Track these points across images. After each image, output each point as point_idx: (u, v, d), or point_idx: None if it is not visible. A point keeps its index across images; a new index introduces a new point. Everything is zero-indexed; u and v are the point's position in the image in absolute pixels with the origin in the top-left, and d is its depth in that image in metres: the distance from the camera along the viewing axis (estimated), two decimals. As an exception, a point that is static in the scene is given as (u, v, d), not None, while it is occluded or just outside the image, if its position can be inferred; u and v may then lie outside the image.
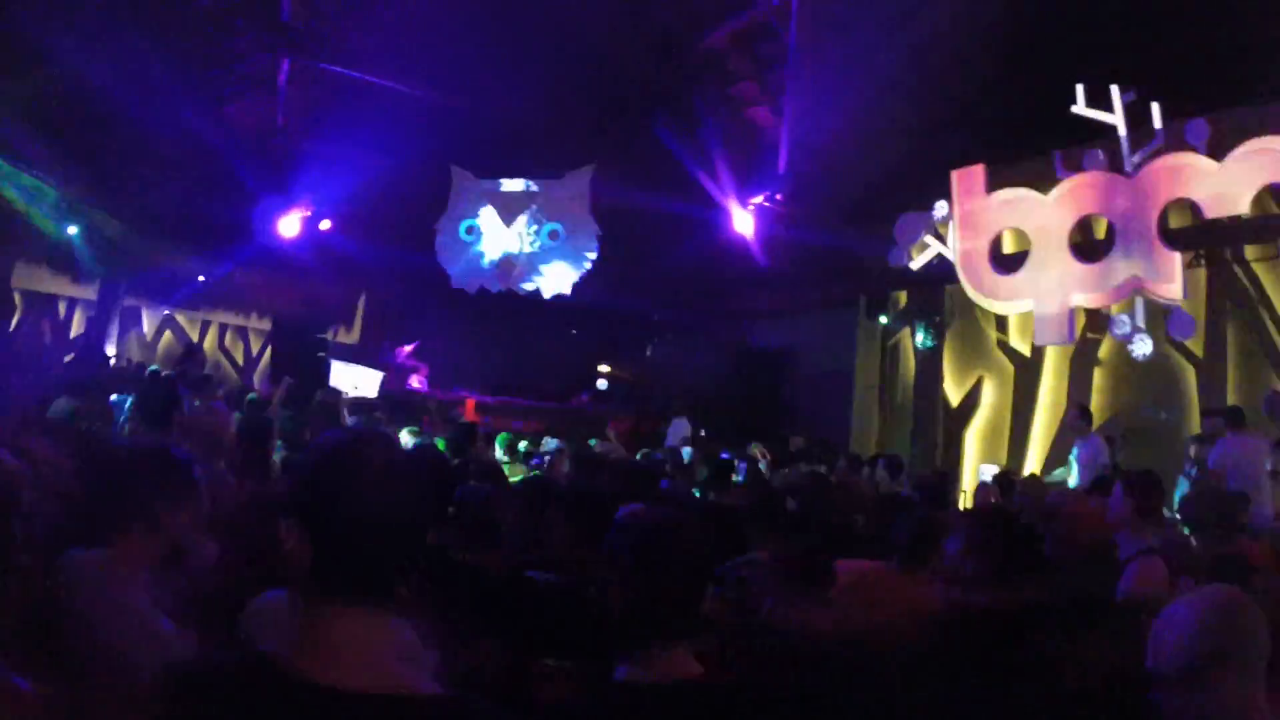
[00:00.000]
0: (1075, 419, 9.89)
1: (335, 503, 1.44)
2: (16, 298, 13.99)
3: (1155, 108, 9.36)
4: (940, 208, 11.89)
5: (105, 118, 11.55)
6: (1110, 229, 10.05)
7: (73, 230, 12.72)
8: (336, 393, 9.68)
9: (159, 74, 11.95)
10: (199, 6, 12.45)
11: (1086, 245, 10.47)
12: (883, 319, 13.59)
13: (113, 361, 13.18)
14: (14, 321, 13.61)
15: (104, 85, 11.11)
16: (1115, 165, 9.92)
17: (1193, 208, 9.33)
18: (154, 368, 12.65)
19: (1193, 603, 2.35)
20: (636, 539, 2.03)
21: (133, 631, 2.32)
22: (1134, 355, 9.65)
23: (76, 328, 14.83)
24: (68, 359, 12.72)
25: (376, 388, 13.77)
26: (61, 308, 14.67)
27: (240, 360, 16.23)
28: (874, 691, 2.59)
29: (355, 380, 13.80)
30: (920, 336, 12.97)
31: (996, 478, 9.06)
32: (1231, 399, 9.25)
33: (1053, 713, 2.66)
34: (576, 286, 16.32)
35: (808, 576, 3.02)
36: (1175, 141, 9.25)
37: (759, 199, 14.42)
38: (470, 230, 16.44)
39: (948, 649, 3.02)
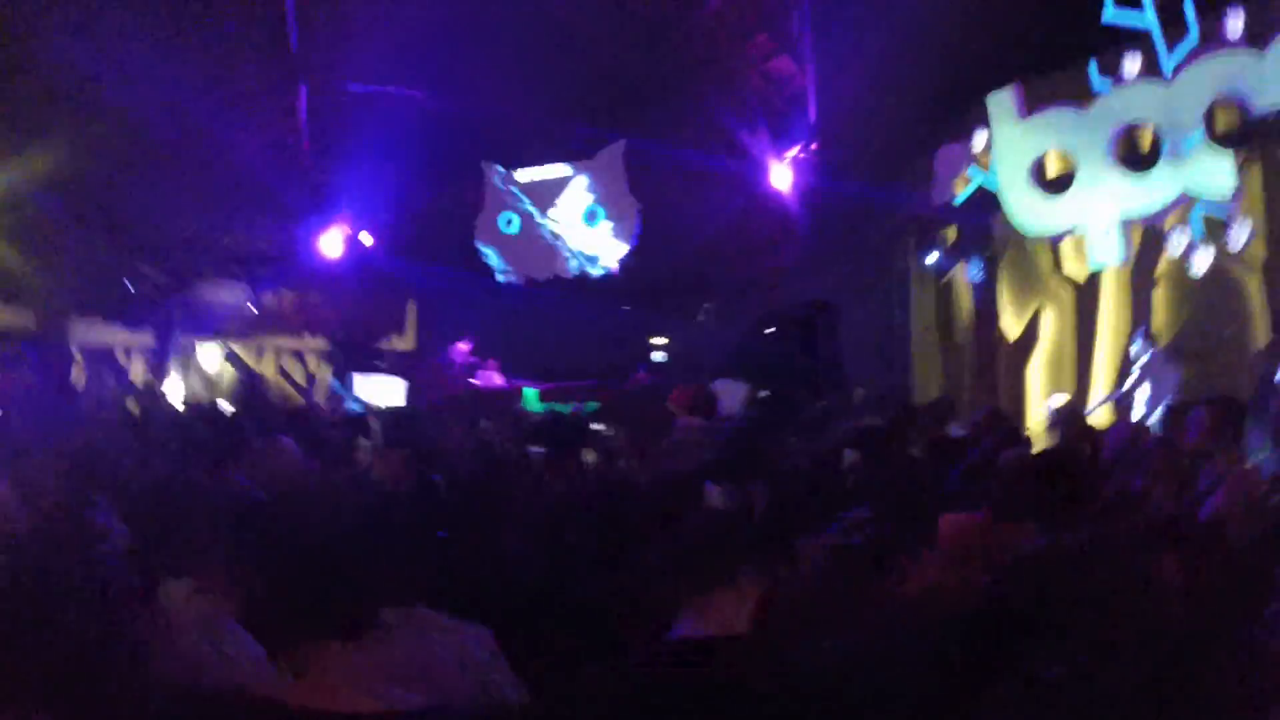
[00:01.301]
0: (1142, 341, 9.54)
1: (297, 539, 1.47)
2: (78, 355, 14.37)
3: (1188, 2, 8.81)
4: (980, 137, 11.46)
5: (128, 161, 11.78)
6: (1156, 138, 9.53)
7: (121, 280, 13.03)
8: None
9: (186, 107, 12.19)
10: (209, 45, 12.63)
11: (1133, 157, 9.94)
12: (932, 257, 13.13)
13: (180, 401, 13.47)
14: (82, 380, 13.97)
15: (137, 120, 11.35)
16: (1153, 69, 9.39)
17: (1240, 104, 8.77)
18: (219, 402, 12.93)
19: None
20: None
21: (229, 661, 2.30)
22: (1191, 271, 9.17)
23: (137, 372, 15.20)
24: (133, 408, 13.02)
25: (403, 395, 13.84)
26: (121, 357, 15.04)
27: (301, 381, 16.48)
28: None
29: (377, 390, 13.89)
30: (973, 271, 12.50)
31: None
32: (1300, 305, 8.72)
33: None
34: (623, 263, 16.20)
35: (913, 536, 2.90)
36: (1213, 36, 8.71)
37: (794, 151, 14.08)
38: (510, 223, 16.42)
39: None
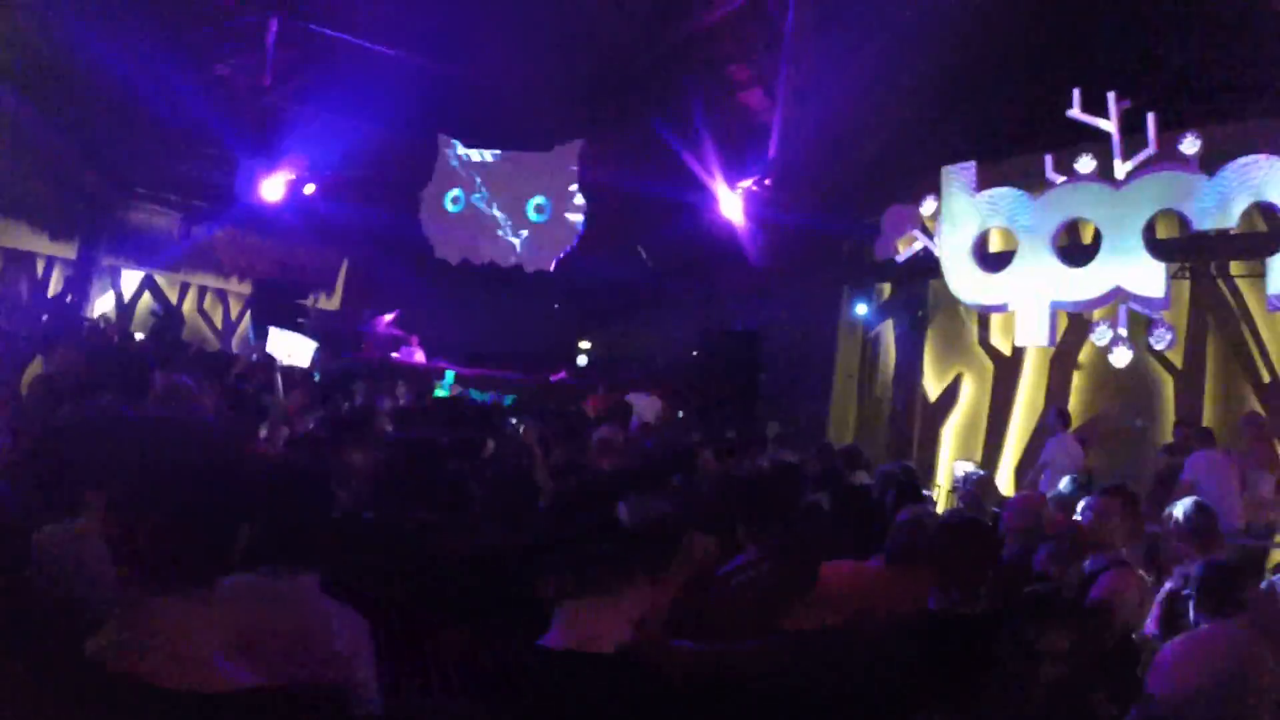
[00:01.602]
0: (1054, 419, 10.02)
1: (145, 488, 1.42)
2: (-6, 255, 13.79)
3: (1150, 118, 9.40)
4: (929, 202, 11.92)
5: (86, 74, 11.32)
6: (1097, 234, 10.10)
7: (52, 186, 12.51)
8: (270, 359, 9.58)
9: (144, 30, 11.74)
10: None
11: (1073, 249, 10.53)
12: (865, 309, 13.63)
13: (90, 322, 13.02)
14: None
15: (85, 41, 10.90)
16: (1105, 171, 9.96)
17: (1181, 219, 9.40)
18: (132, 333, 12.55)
19: (1196, 640, 2.38)
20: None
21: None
22: (1113, 363, 9.75)
23: (55, 286, 14.62)
24: (44, 318, 12.53)
25: (310, 357, 13.64)
26: (40, 266, 14.43)
27: (219, 324, 16.08)
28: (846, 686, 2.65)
29: (290, 348, 13.68)
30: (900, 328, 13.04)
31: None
32: (1208, 412, 9.38)
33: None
34: (559, 261, 16.25)
35: (794, 578, 3.00)
36: (1168, 152, 9.31)
37: (747, 182, 14.38)
38: (455, 200, 16.30)
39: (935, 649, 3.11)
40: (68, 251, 14.25)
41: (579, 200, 16.05)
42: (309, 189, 14.95)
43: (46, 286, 14.36)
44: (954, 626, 3.23)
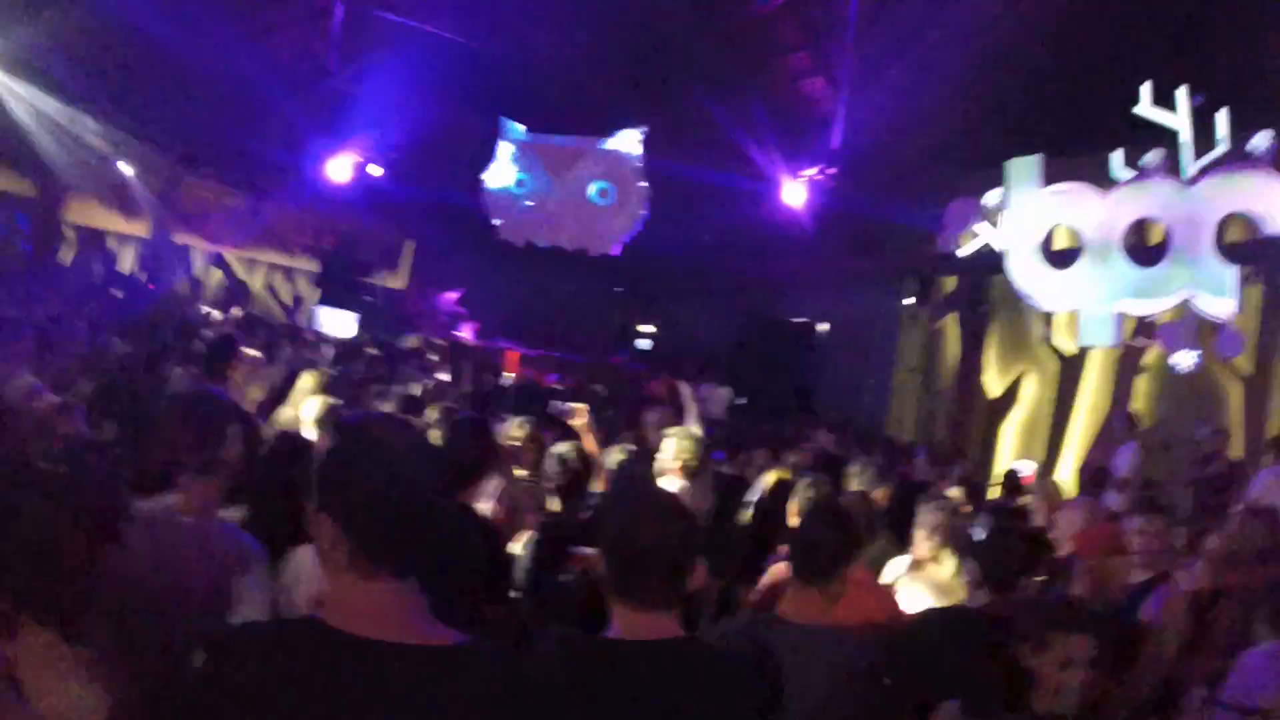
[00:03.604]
0: (1122, 425, 9.76)
1: (350, 483, 1.55)
2: (69, 233, 14.21)
3: (1222, 115, 9.04)
4: (994, 195, 11.63)
5: (151, 53, 11.59)
6: (1166, 235, 9.77)
7: (126, 167, 12.86)
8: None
9: (211, 13, 11.99)
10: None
11: (1140, 249, 10.19)
12: (926, 303, 13.40)
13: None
14: (68, 257, 13.84)
15: (149, 20, 11.15)
16: (1176, 170, 9.62)
17: (1252, 222, 9.04)
18: (208, 311, 12.89)
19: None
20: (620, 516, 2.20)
21: (212, 576, 2.44)
22: (1177, 368, 9.45)
23: (127, 262, 15.07)
24: (118, 295, 12.95)
25: (354, 328, 13.91)
26: (113, 244, 14.88)
27: (288, 300, 16.44)
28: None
29: (334, 321, 13.98)
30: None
31: (1006, 476, 8.86)
32: (1274, 422, 9.03)
33: None
34: (624, 245, 16.26)
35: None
36: (1240, 152, 8.95)
37: (810, 171, 14.20)
38: (520, 183, 16.38)
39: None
40: (139, 229, 14.66)
41: (642, 185, 16.02)
42: (375, 170, 15.14)
43: (118, 263, 14.81)
44: (982, 624, 3.23)
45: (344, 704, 1.47)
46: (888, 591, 3.91)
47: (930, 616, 3.56)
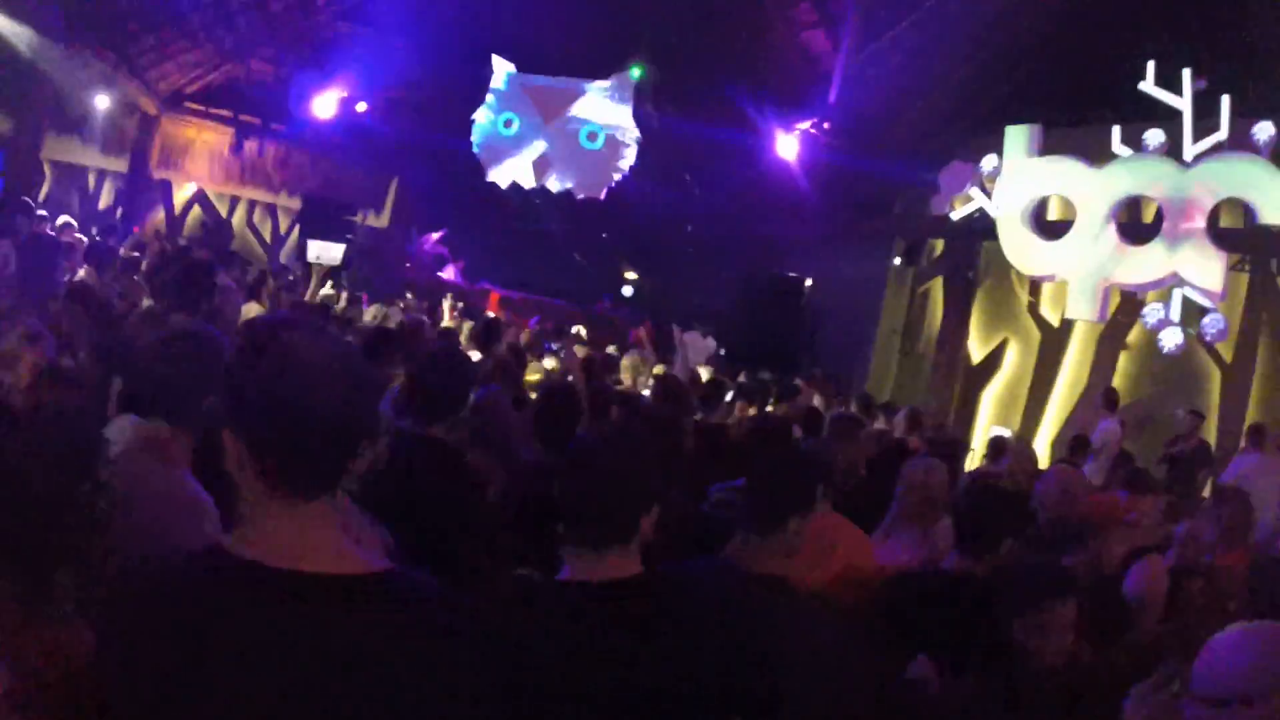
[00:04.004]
0: (1101, 402, 9.86)
1: (250, 391, 1.39)
2: (46, 168, 13.90)
3: (1225, 101, 9.01)
4: (989, 161, 11.60)
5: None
6: (1159, 214, 9.80)
7: (105, 102, 12.54)
8: None
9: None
10: None
11: (1132, 226, 10.23)
12: (913, 264, 13.40)
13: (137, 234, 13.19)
14: (43, 192, 13.54)
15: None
16: (1174, 151, 9.61)
17: (1246, 210, 9.07)
18: (183, 244, 12.67)
19: (1252, 633, 2.36)
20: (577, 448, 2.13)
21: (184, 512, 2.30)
22: (1162, 347, 9.54)
23: (105, 199, 14.79)
24: (95, 231, 12.71)
25: (339, 258, 13.77)
26: (91, 179, 14.58)
27: (268, 238, 16.21)
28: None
29: (320, 251, 13.85)
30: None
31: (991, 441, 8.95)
32: (1252, 411, 9.17)
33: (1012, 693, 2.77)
34: (612, 190, 16.10)
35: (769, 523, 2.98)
36: (1240, 139, 8.95)
37: (805, 125, 14.04)
38: (509, 124, 16.13)
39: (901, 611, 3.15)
40: (119, 165, 14.37)
41: (633, 131, 15.81)
42: (361, 107, 14.86)
43: (98, 200, 14.54)
44: (962, 586, 3.20)
45: (249, 642, 1.34)
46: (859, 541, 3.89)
47: (908, 576, 3.53)
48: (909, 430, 8.90)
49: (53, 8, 10.84)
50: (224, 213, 15.54)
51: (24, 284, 7.07)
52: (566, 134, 16.13)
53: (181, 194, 15.27)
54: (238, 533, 1.42)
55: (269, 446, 1.39)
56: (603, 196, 16.12)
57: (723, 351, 14.44)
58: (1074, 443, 8.79)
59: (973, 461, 11.03)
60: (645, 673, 1.96)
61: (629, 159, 15.93)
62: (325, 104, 14.57)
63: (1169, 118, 9.55)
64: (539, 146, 16.16)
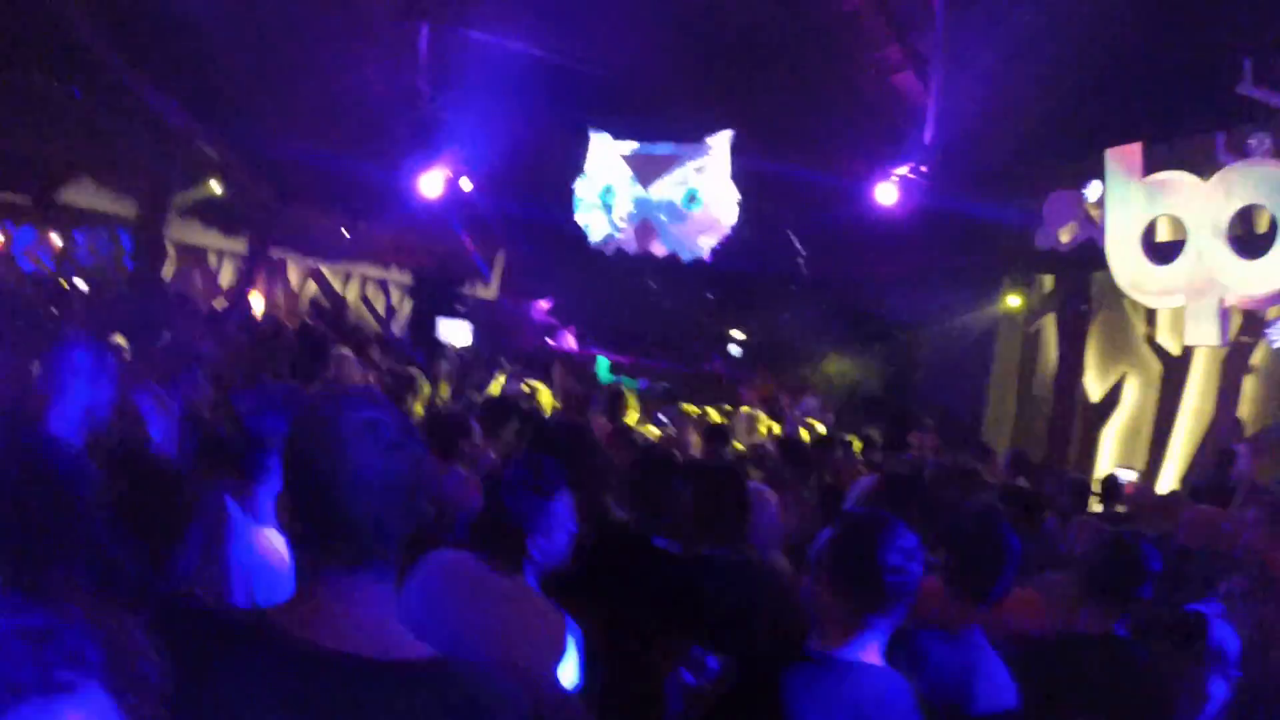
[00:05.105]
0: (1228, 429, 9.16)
1: (314, 465, 1.41)
2: (170, 249, 14.89)
3: (1330, 92, 8.34)
4: (1094, 188, 11.05)
5: (253, 83, 12.01)
6: (1273, 223, 9.07)
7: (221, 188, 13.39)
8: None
9: (305, 44, 12.35)
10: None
11: (1247, 239, 9.49)
12: (1024, 302, 12.80)
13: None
14: (169, 272, 14.51)
15: (248, 53, 11.54)
16: (1281, 153, 8.93)
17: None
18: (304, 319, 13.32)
19: None
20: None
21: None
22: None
23: (225, 278, 15.73)
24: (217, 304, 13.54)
25: (469, 337, 14.11)
26: (212, 259, 15.54)
27: (381, 311, 16.87)
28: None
29: (450, 331, 14.21)
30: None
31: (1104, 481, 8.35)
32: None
33: None
34: (716, 251, 16.06)
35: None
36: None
37: (903, 169, 13.76)
38: (608, 192, 16.35)
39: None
40: (237, 246, 15.26)
41: (732, 189, 15.78)
42: (466, 184, 15.36)
43: (217, 278, 15.47)
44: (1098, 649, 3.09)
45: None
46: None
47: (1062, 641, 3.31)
48: (1012, 474, 8.45)
49: (172, 101, 11.65)
50: (339, 288, 16.27)
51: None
52: (667, 198, 16.21)
53: (298, 272, 16.10)
54: (289, 604, 1.44)
55: (317, 516, 1.42)
56: (707, 258, 16.10)
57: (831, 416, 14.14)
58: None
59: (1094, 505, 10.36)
60: None
61: (731, 218, 15.87)
62: (431, 183, 15.13)
63: (1274, 117, 8.90)
64: (640, 212, 16.30)
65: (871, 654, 2.17)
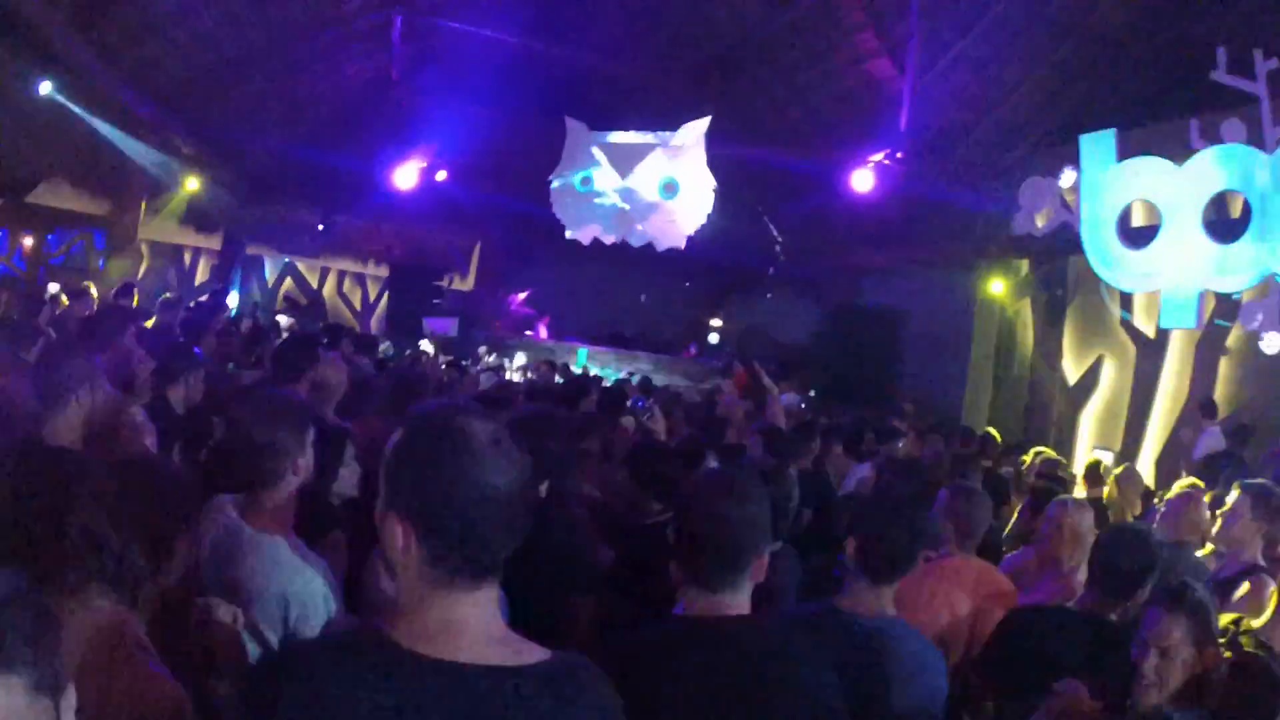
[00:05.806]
0: (1200, 411, 9.30)
1: (425, 480, 1.39)
2: (143, 248, 14.73)
3: (1303, 78, 8.46)
4: (1068, 174, 11.15)
5: (223, 79, 11.86)
6: (1246, 208, 9.20)
7: (195, 185, 13.24)
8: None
9: (276, 35, 12.20)
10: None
11: (1221, 224, 9.63)
12: (1002, 287, 12.93)
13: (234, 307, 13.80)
14: (140, 271, 14.34)
15: (221, 48, 11.40)
16: (1256, 139, 9.03)
17: (1337, 192, 8.44)
18: (280, 317, 13.20)
19: None
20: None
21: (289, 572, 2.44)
22: (1264, 349, 8.90)
23: (201, 276, 15.57)
24: (191, 304, 13.36)
25: (455, 330, 14.09)
26: (187, 257, 15.39)
27: (358, 305, 16.76)
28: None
29: (435, 327, 14.18)
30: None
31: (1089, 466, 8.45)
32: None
33: None
34: (692, 239, 16.09)
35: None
36: (1324, 117, 8.36)
37: (879, 156, 13.82)
38: (585, 181, 16.32)
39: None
40: (212, 243, 15.11)
41: (708, 178, 15.81)
42: (440, 176, 15.28)
43: (194, 276, 15.31)
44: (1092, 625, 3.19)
45: None
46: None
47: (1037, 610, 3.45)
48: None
49: (147, 99, 11.48)
50: (314, 283, 16.16)
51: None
52: (643, 188, 16.21)
53: (273, 268, 15.98)
54: (397, 618, 1.43)
55: (446, 532, 1.40)
56: (683, 246, 16.11)
57: (811, 393, 14.22)
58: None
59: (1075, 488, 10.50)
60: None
61: (707, 207, 15.90)
62: (406, 175, 15.05)
63: (1248, 104, 9.01)
64: (617, 202, 16.29)
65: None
